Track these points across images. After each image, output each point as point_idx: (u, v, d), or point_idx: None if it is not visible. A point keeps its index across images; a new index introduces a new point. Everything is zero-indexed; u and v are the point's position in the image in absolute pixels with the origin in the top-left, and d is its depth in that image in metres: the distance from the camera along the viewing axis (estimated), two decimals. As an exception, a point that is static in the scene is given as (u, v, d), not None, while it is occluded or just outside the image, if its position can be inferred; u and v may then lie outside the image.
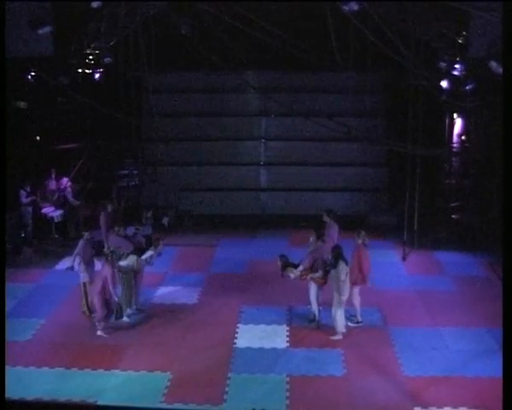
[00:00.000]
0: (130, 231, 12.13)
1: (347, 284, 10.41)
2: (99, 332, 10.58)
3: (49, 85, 15.39)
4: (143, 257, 11.28)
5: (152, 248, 11.44)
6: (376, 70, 17.43)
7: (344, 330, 10.55)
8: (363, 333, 10.71)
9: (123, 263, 11.11)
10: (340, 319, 10.49)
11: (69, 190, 16.34)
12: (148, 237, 12.71)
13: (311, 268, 10.73)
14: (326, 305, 11.15)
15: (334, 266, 10.36)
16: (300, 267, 10.76)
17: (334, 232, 12.47)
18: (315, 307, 10.92)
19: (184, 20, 14.91)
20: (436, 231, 16.41)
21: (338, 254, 10.39)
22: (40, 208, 15.74)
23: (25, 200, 15.29)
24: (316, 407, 8.59)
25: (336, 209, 13.96)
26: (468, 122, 16.88)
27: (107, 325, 10.69)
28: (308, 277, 10.77)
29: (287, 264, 10.94)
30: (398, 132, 16.22)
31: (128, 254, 11.19)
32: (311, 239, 11.08)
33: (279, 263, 11.01)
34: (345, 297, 10.43)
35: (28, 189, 15.37)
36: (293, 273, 10.83)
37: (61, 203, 16.24)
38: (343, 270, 10.26)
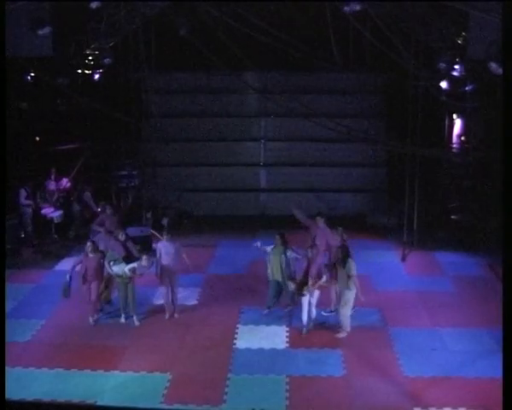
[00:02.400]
0: (131, 232, 12.04)
1: (356, 281, 10.43)
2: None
3: (49, 86, 15.38)
4: (126, 268, 10.85)
5: (138, 261, 10.98)
6: (376, 70, 17.44)
7: (349, 329, 10.56)
8: (363, 333, 10.69)
9: (114, 268, 10.98)
10: (347, 318, 10.52)
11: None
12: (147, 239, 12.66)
13: (318, 276, 10.69)
14: (326, 306, 11.18)
15: (344, 264, 10.40)
16: (311, 281, 10.56)
17: (325, 235, 12.27)
18: (305, 315, 10.68)
19: (184, 20, 14.90)
20: (436, 231, 16.41)
21: (346, 253, 10.49)
22: (40, 209, 15.70)
23: (24, 201, 15.17)
24: (315, 407, 8.59)
25: (336, 209, 13.97)
26: (467, 122, 16.88)
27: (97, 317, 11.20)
28: (317, 285, 10.64)
29: (298, 283, 10.71)
30: (397, 133, 16.22)
31: (121, 261, 11.07)
32: (277, 237, 11.20)
33: (292, 286, 10.82)
34: (354, 292, 10.45)
35: (28, 188, 15.27)
36: (308, 291, 10.60)
37: (60, 204, 16.21)
38: (352, 266, 10.37)
